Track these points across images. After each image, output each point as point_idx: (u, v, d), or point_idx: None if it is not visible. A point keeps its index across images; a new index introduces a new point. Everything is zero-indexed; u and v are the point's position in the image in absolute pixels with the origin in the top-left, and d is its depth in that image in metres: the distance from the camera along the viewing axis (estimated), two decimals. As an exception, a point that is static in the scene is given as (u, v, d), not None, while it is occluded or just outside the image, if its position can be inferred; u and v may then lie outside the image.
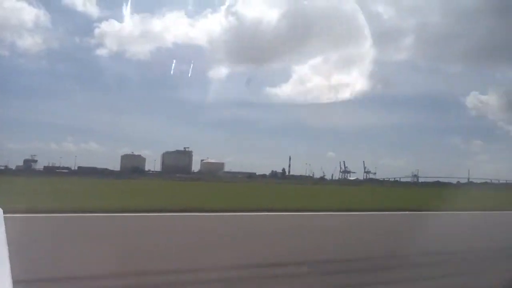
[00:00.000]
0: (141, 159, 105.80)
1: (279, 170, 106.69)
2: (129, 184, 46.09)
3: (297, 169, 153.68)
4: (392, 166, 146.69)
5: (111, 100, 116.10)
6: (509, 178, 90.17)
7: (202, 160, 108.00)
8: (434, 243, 10.38)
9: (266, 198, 28.11)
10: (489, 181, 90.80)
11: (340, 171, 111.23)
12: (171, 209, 15.39)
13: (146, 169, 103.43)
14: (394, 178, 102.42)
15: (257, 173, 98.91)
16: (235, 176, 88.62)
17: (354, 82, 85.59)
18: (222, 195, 30.82)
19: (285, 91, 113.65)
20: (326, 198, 30.32)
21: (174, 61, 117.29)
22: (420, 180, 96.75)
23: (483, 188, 72.45)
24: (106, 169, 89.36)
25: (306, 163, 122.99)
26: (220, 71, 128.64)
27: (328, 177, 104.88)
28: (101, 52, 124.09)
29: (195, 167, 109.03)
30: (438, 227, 14.16)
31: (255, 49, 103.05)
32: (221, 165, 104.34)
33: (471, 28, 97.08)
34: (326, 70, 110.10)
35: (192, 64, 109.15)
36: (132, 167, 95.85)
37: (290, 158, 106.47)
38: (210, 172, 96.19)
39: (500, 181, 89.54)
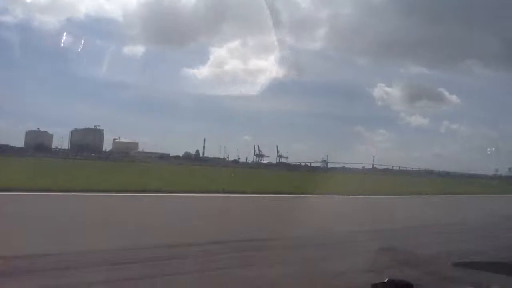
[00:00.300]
0: (47, 136, 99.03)
1: (194, 152, 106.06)
2: (25, 162, 43.05)
3: (212, 151, 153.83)
4: (304, 151, 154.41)
5: (15, 72, 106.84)
6: (408, 165, 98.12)
7: (114, 139, 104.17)
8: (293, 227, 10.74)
9: (158, 178, 27.44)
10: (390, 167, 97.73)
11: (254, 155, 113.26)
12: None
13: (53, 146, 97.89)
14: (305, 163, 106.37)
15: (170, 154, 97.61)
16: (148, 156, 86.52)
17: (270, 67, 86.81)
18: (114, 174, 29.65)
19: (202, 72, 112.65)
20: (219, 179, 30.01)
21: (82, 36, 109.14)
22: (329, 165, 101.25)
23: (383, 173, 78.21)
24: (7, 145, 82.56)
25: (221, 146, 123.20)
26: (136, 49, 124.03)
27: (242, 160, 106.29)
28: (5, 18, 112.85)
29: (107, 146, 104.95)
30: (311, 210, 14.84)
31: (173, 29, 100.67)
32: (134, 144, 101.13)
33: (380, 24, 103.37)
34: (243, 54, 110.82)
35: (101, 39, 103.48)
36: (37, 144, 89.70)
37: (204, 140, 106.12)
38: (122, 151, 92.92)
39: (400, 168, 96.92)
